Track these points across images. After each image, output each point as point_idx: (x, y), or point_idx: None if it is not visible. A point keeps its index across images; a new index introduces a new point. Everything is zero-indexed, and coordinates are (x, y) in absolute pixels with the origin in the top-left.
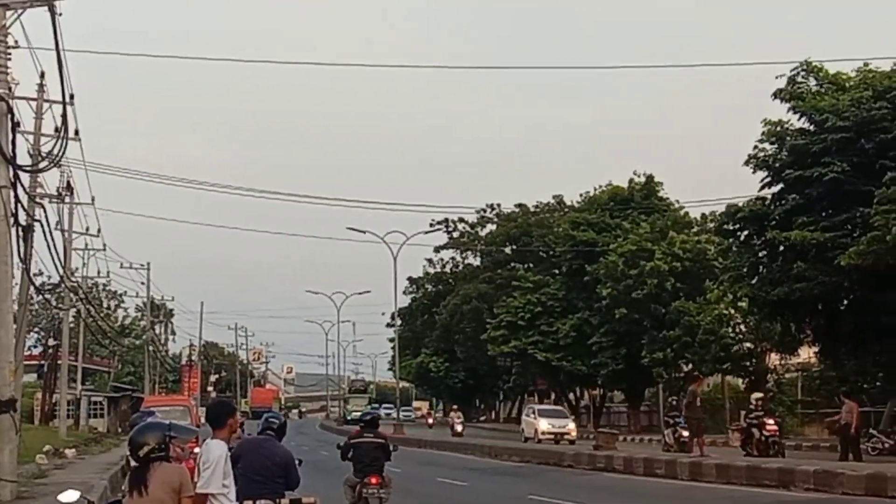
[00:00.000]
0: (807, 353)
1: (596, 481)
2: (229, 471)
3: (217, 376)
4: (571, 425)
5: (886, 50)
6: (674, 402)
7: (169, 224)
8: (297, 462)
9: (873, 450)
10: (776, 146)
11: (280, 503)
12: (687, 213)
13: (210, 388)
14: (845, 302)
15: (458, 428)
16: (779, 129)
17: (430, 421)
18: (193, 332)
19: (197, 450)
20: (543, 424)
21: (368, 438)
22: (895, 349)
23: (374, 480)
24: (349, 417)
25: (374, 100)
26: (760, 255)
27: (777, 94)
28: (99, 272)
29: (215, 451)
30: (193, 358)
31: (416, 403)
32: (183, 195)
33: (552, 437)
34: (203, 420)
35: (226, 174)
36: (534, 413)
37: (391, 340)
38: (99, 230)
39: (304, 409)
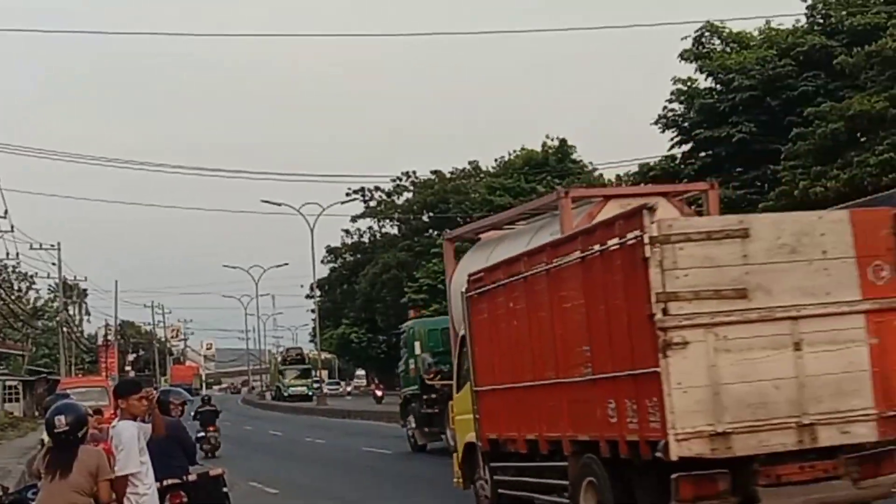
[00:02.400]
0: None
1: None
2: (144, 448)
3: (135, 355)
4: None
5: (787, 7)
6: None
7: (80, 203)
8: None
9: None
10: (685, 105)
11: (187, 479)
12: (601, 175)
13: (128, 368)
14: None
15: None
16: (687, 88)
17: (379, 393)
18: (109, 312)
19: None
20: None
21: (208, 408)
22: None
23: (211, 428)
24: (286, 393)
25: (287, 71)
26: None
27: (683, 55)
28: (8, 254)
29: (126, 433)
30: (109, 338)
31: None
32: (93, 173)
33: None
34: None
35: (139, 151)
36: None
37: (312, 311)
38: (6, 211)
39: (242, 385)
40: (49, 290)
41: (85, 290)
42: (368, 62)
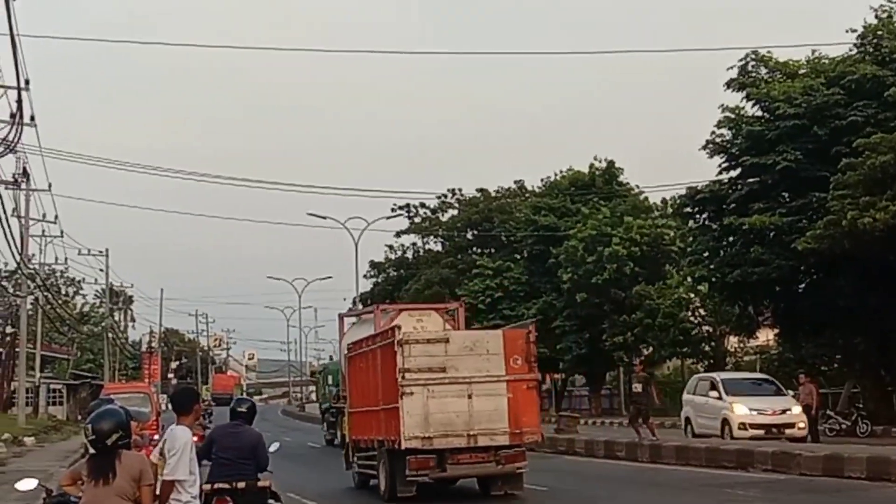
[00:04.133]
0: (765, 336)
1: (557, 464)
2: (195, 457)
3: (178, 363)
4: (796, 409)
5: (833, 37)
6: None
7: (128, 210)
8: (275, 446)
9: (831, 431)
10: (732, 132)
11: (235, 486)
12: (646, 198)
13: (171, 375)
14: (803, 285)
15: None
16: (735, 115)
17: None
18: (153, 319)
19: (157, 436)
20: (741, 410)
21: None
22: (851, 331)
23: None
24: None
25: (335, 85)
26: (719, 239)
27: (729, 84)
28: (57, 259)
29: (181, 438)
30: (153, 345)
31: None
32: (142, 181)
33: (762, 431)
34: (165, 407)
35: (185, 160)
36: (720, 389)
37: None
38: (56, 216)
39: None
40: (95, 295)
41: (131, 296)
42: (416, 78)
